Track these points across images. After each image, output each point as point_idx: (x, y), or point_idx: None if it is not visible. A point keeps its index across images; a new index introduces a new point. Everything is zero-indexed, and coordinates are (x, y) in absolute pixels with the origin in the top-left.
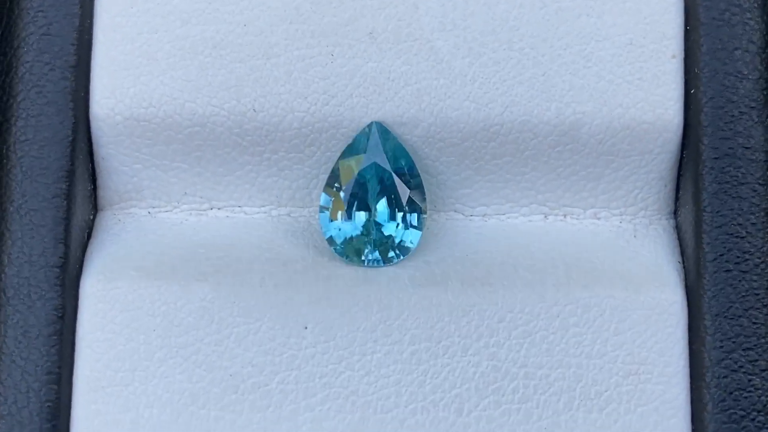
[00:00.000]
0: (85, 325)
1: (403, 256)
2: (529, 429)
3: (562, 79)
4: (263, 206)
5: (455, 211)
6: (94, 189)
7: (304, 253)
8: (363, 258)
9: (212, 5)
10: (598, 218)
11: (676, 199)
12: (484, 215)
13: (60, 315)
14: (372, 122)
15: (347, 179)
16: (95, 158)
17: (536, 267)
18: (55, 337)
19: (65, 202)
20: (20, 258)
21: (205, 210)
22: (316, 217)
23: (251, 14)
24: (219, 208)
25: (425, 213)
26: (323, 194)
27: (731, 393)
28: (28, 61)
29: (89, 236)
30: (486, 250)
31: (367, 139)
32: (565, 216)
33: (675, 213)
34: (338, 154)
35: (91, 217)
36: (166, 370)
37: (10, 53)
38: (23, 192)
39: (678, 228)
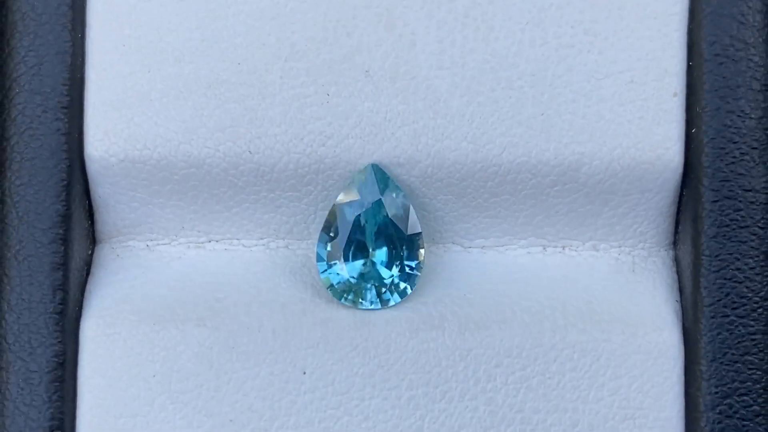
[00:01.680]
0: (85, 370)
1: (401, 298)
2: None
3: (561, 119)
4: (261, 238)
5: (454, 243)
6: (92, 224)
7: (302, 293)
8: (361, 302)
9: (205, 42)
10: (597, 250)
11: (676, 232)
12: (482, 247)
13: (61, 361)
14: (369, 164)
15: (344, 223)
16: (92, 195)
17: (533, 309)
18: (57, 384)
19: (62, 247)
20: (20, 305)
21: (203, 243)
22: (314, 250)
23: (245, 52)
24: (217, 241)
25: (423, 257)
26: (319, 242)
27: None
28: (20, 103)
29: (88, 272)
30: (484, 288)
31: (364, 182)
32: (563, 248)
33: (674, 244)
34: (335, 193)
35: (90, 252)
36: (167, 416)
37: (2, 94)
38: (20, 238)
39: (677, 261)
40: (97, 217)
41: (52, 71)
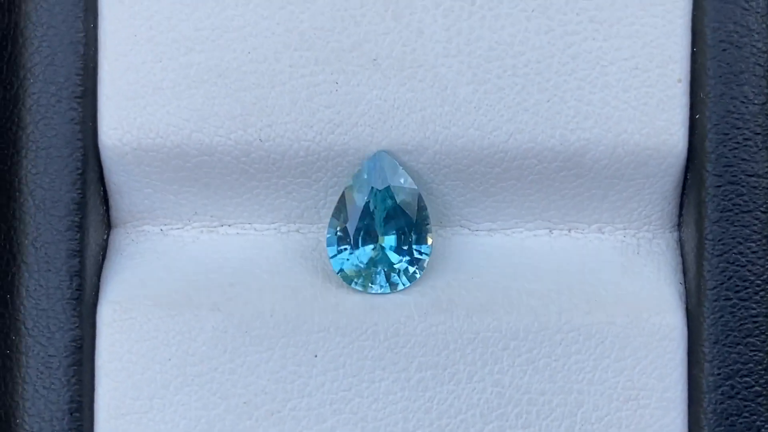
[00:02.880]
0: (103, 354)
1: (410, 283)
2: None
3: (567, 105)
4: (273, 223)
5: (461, 226)
6: (107, 209)
7: (312, 278)
8: (371, 286)
9: (216, 32)
10: (602, 232)
11: (680, 214)
12: (489, 230)
13: (79, 345)
14: (378, 151)
15: (353, 209)
16: (106, 182)
17: (539, 292)
18: (75, 367)
19: (78, 233)
20: (38, 291)
21: (215, 227)
22: (325, 234)
23: (255, 41)
24: (229, 225)
25: (431, 240)
26: (329, 228)
27: (727, 419)
28: (34, 93)
29: (104, 257)
30: (491, 272)
31: (373, 169)
32: (569, 231)
33: (679, 226)
34: (345, 179)
35: (105, 236)
36: (183, 398)
37: (17, 84)
38: (37, 225)
39: (681, 243)
40: (112, 203)
41: (65, 61)
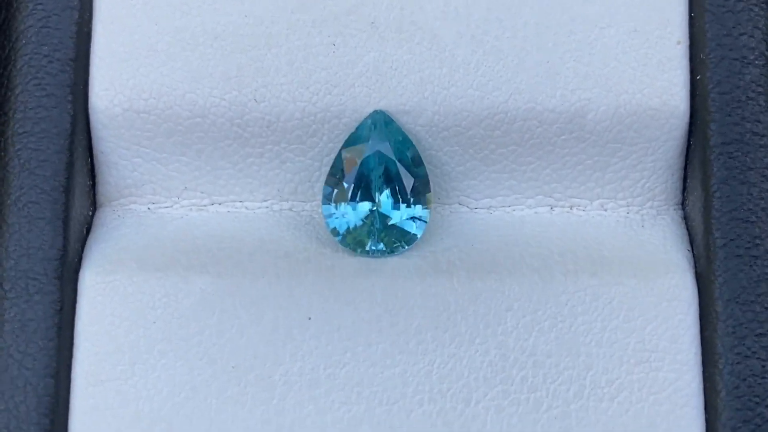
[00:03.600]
0: (83, 318)
1: (408, 245)
2: (538, 419)
3: (566, 66)
4: (265, 200)
5: (460, 204)
6: (93, 185)
7: (306, 244)
8: (367, 248)
9: None
10: (605, 209)
11: (684, 189)
12: (489, 207)
13: (59, 308)
14: (375, 111)
15: (350, 168)
16: (94, 153)
17: (543, 255)
18: (54, 331)
19: (64, 194)
20: (18, 251)
21: (205, 205)
22: (319, 211)
23: (252, 4)
24: (220, 203)
25: (431, 201)
26: (325, 185)
27: (745, 379)
28: (26, 54)
29: (88, 232)
30: (492, 239)
31: (370, 128)
32: (571, 207)
33: (683, 204)
34: (341, 144)
35: (90, 213)
36: (167, 363)
37: (8, 46)
38: (21, 184)
39: (686, 218)
40: (99, 178)
41: (59, 24)
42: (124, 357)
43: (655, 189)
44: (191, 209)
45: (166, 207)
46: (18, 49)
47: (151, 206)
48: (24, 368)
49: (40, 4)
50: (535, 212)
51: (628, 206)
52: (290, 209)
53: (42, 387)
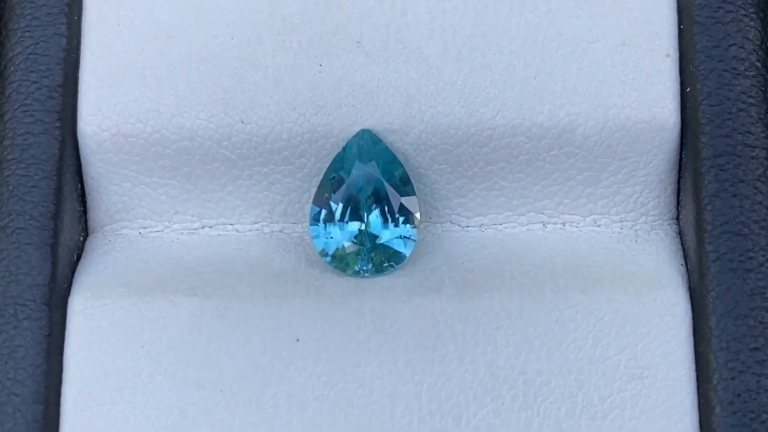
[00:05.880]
0: (72, 344)
1: (397, 265)
2: None
3: (553, 81)
4: (255, 222)
5: (451, 222)
6: (84, 211)
7: (296, 265)
8: (357, 268)
9: (199, 19)
10: (598, 225)
11: (677, 203)
12: (481, 225)
13: (47, 334)
14: (361, 130)
15: (338, 188)
16: (84, 179)
17: (533, 272)
18: (42, 357)
19: (52, 221)
20: (6, 277)
21: (196, 229)
22: (309, 232)
23: (238, 26)
24: (210, 226)
25: (419, 220)
26: (313, 205)
27: (739, 395)
28: (14, 81)
29: (79, 257)
30: (483, 258)
31: (357, 148)
32: (564, 224)
33: (677, 219)
34: (328, 164)
35: (82, 238)
36: (155, 387)
37: None
38: (10, 211)
39: (680, 233)
40: (90, 203)
41: (47, 51)
42: (112, 383)
43: (648, 204)
44: (182, 233)
45: (158, 231)
46: (6, 77)
47: (142, 231)
48: (13, 394)
49: (28, 31)
50: (528, 229)
51: (621, 221)
52: (281, 231)
53: (31, 413)
